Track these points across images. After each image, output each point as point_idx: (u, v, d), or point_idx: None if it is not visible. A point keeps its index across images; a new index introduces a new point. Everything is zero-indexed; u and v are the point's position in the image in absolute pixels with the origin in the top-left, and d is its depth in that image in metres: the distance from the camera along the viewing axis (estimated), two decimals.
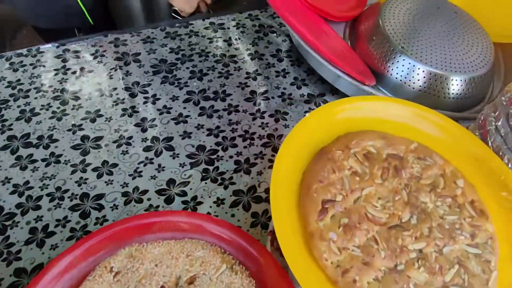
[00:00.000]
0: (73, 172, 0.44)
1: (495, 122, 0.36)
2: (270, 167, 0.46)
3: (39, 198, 0.41)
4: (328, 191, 0.28)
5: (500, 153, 0.35)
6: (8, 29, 2.08)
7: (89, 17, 0.84)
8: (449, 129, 0.36)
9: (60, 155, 0.46)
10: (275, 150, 0.48)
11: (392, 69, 0.55)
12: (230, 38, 0.63)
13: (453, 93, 0.54)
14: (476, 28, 0.59)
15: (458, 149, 0.34)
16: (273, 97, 0.55)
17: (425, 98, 0.54)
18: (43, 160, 0.45)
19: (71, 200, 0.41)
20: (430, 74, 0.53)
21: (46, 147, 0.46)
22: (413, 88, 0.54)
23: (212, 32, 0.64)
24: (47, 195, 0.42)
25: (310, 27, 0.55)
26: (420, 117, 0.37)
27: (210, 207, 0.42)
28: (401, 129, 0.35)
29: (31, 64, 0.56)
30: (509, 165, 0.35)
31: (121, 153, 0.46)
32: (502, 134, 0.35)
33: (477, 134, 0.40)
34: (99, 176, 0.44)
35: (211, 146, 0.48)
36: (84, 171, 0.44)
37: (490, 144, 0.36)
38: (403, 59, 0.54)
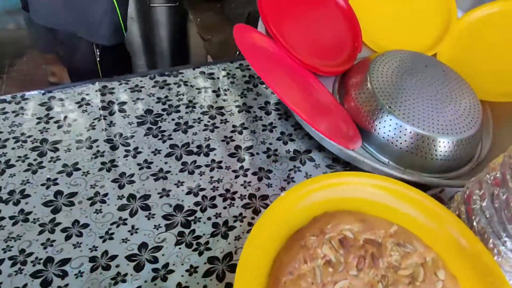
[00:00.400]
0: (40, 233, 0.42)
1: (480, 201, 0.34)
2: (249, 231, 0.44)
3: (1, 261, 0.39)
4: (298, 285, 0.25)
5: (485, 236, 0.33)
6: (8, 54, 2.13)
7: (124, 28, 0.95)
8: (431, 209, 0.35)
9: (30, 213, 0.44)
10: (256, 212, 0.46)
11: (379, 128, 0.54)
12: (219, 88, 0.63)
13: (440, 155, 0.53)
14: (464, 87, 0.59)
15: (440, 233, 0.33)
16: (258, 153, 0.54)
17: (411, 159, 0.53)
18: (11, 218, 0.43)
19: (34, 265, 0.39)
20: (417, 135, 0.52)
21: (16, 203, 0.44)
22: (400, 148, 0.53)
23: (201, 81, 0.64)
24: (10, 258, 0.39)
25: (295, 82, 0.55)
26: (401, 197, 0.36)
27: (182, 276, 0.39)
28: (381, 210, 0.33)
29: (13, 112, 0.55)
30: (495, 250, 0.33)
31: (94, 212, 0.45)
32: (487, 216, 0.33)
33: (463, 208, 0.38)
34: (68, 238, 0.42)
35: (189, 206, 0.46)
36: (52, 231, 0.42)
37: (475, 223, 0.35)
38: (390, 119, 0.53)
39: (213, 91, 0.62)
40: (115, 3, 0.93)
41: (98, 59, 1.05)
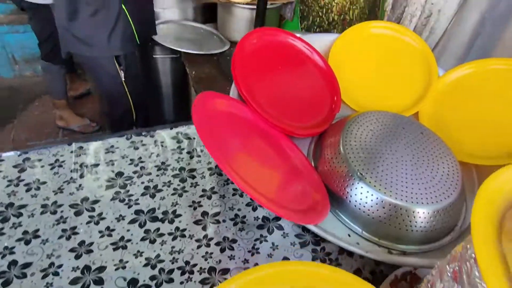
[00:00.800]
0: None
1: None
2: None
3: None
4: None
5: None
6: (22, 100, 2.23)
7: (137, 39, 1.09)
8: None
9: None
10: None
11: (350, 196, 0.52)
12: (194, 149, 0.63)
13: (416, 226, 0.50)
14: (443, 151, 0.57)
15: None
16: (224, 220, 0.52)
17: (386, 229, 0.51)
18: None
19: None
20: (390, 205, 0.49)
21: None
22: (373, 218, 0.50)
23: (177, 142, 0.64)
24: None
25: (263, 149, 0.54)
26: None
27: None
28: None
29: None
30: None
31: (45, 285, 0.43)
32: None
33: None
34: None
35: (144, 281, 0.44)
36: None
37: None
38: (361, 187, 0.51)
39: (188, 152, 0.62)
40: (127, 14, 1.02)
41: (123, 79, 1.14)
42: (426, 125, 0.65)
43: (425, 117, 0.70)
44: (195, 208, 0.53)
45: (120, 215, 0.51)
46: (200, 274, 0.45)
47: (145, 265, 0.46)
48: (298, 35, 1.12)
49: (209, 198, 0.55)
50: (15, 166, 0.57)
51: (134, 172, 0.58)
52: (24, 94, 2.31)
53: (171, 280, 0.44)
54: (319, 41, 0.75)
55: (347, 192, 0.52)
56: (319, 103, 0.67)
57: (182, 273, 0.45)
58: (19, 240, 0.48)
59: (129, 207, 0.53)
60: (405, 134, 0.59)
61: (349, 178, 0.53)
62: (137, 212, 0.52)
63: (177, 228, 0.50)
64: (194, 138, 0.65)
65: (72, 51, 1.08)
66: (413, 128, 0.61)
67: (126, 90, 1.16)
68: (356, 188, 0.52)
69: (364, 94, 0.72)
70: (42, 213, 0.51)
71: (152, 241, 0.49)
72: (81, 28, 1.00)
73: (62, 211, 0.51)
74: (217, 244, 0.49)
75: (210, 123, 0.46)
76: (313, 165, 0.60)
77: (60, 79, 1.83)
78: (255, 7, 1.15)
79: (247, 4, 1.26)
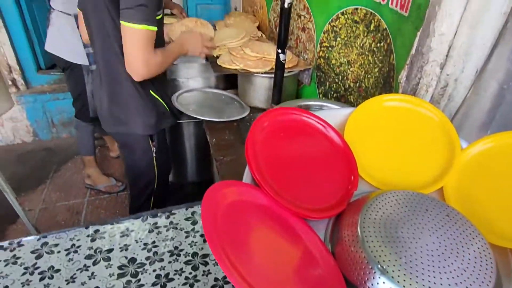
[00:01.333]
0: None
1: None
2: None
3: None
4: None
5: None
6: (55, 161, 2.35)
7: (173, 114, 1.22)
8: None
9: None
10: None
11: None
12: None
13: None
14: (473, 236, 0.53)
15: None
16: None
17: None
18: None
19: None
20: None
21: None
22: None
23: (191, 224, 0.64)
24: None
25: (276, 237, 0.52)
26: None
27: None
28: None
29: (5, 261, 0.57)
30: None
31: None
32: None
33: None
34: None
35: None
36: None
37: None
38: (383, 282, 0.47)
39: (201, 235, 0.61)
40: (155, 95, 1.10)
41: (155, 155, 1.18)
42: (451, 203, 0.62)
43: (450, 194, 0.66)
44: None
45: None
46: None
47: None
48: (314, 102, 1.15)
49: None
50: (33, 252, 0.58)
51: (147, 258, 0.57)
52: (59, 155, 2.46)
53: None
54: (334, 115, 0.75)
55: (367, 287, 0.48)
56: (336, 182, 0.65)
57: None
58: None
59: None
60: (429, 217, 0.55)
61: (369, 270, 0.49)
62: None
63: None
64: None
65: (112, 131, 1.15)
66: (438, 210, 0.57)
67: (155, 164, 1.20)
68: (378, 284, 0.48)
69: (383, 169, 0.70)
70: None
71: None
72: (121, 109, 1.07)
73: None
74: None
75: (219, 217, 0.45)
76: (330, 249, 0.57)
77: (88, 135, 1.94)
78: (273, 75, 1.19)
79: (265, 73, 1.32)
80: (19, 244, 0.60)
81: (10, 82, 2.44)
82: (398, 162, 0.71)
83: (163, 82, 1.20)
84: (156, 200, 1.29)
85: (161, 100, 1.14)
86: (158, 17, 0.95)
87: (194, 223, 0.64)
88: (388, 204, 0.57)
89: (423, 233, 0.53)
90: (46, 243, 0.60)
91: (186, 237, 0.61)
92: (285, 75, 1.19)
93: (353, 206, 0.62)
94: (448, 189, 0.67)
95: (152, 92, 1.09)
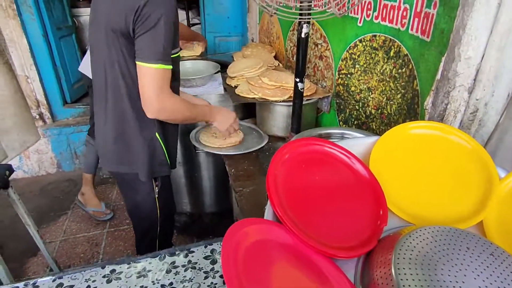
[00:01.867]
0: None
1: None
2: None
3: None
4: None
5: None
6: (77, 191, 2.38)
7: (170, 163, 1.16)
8: None
9: None
10: None
11: None
12: None
13: None
14: None
15: None
16: None
17: None
18: None
19: None
20: None
21: None
22: None
23: (210, 263, 0.60)
24: None
25: (304, 271, 0.48)
26: None
27: None
28: None
29: None
30: None
31: None
32: None
33: None
34: None
35: None
36: None
37: None
38: None
39: (221, 276, 0.58)
40: (160, 141, 1.07)
41: (157, 195, 1.15)
42: (493, 239, 0.56)
43: (491, 229, 0.60)
44: None
45: None
46: None
47: None
48: (335, 131, 1.12)
49: None
50: None
51: None
52: (81, 186, 2.49)
53: None
54: (357, 145, 0.72)
55: None
56: (364, 216, 0.61)
57: None
58: None
59: None
60: (471, 256, 0.50)
61: None
62: None
63: None
64: None
65: (114, 171, 1.13)
66: (480, 248, 0.52)
67: (158, 206, 1.17)
68: None
69: (413, 202, 0.65)
70: None
71: None
72: (128, 149, 1.06)
73: None
74: None
75: (240, 259, 0.42)
76: None
77: (94, 154, 1.98)
78: (291, 103, 1.18)
79: (283, 101, 1.31)
80: (34, 286, 0.58)
81: (37, 116, 2.54)
82: (429, 194, 0.66)
83: (173, 132, 1.18)
84: (161, 240, 1.26)
85: (163, 146, 1.10)
86: (174, 56, 0.98)
87: (214, 262, 0.60)
88: (424, 241, 0.52)
89: (467, 276, 0.47)
90: (61, 284, 0.58)
91: (205, 277, 0.58)
92: (303, 103, 1.17)
93: (384, 243, 0.57)
94: (488, 223, 0.61)
95: (157, 135, 1.07)
